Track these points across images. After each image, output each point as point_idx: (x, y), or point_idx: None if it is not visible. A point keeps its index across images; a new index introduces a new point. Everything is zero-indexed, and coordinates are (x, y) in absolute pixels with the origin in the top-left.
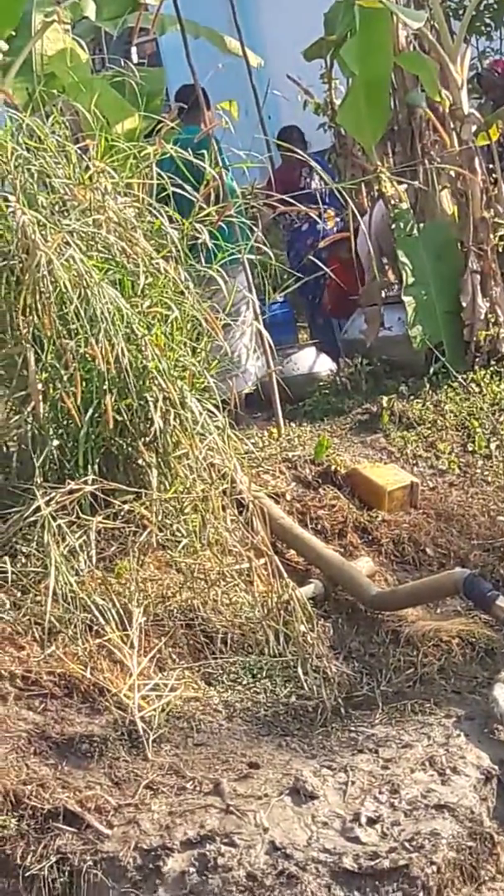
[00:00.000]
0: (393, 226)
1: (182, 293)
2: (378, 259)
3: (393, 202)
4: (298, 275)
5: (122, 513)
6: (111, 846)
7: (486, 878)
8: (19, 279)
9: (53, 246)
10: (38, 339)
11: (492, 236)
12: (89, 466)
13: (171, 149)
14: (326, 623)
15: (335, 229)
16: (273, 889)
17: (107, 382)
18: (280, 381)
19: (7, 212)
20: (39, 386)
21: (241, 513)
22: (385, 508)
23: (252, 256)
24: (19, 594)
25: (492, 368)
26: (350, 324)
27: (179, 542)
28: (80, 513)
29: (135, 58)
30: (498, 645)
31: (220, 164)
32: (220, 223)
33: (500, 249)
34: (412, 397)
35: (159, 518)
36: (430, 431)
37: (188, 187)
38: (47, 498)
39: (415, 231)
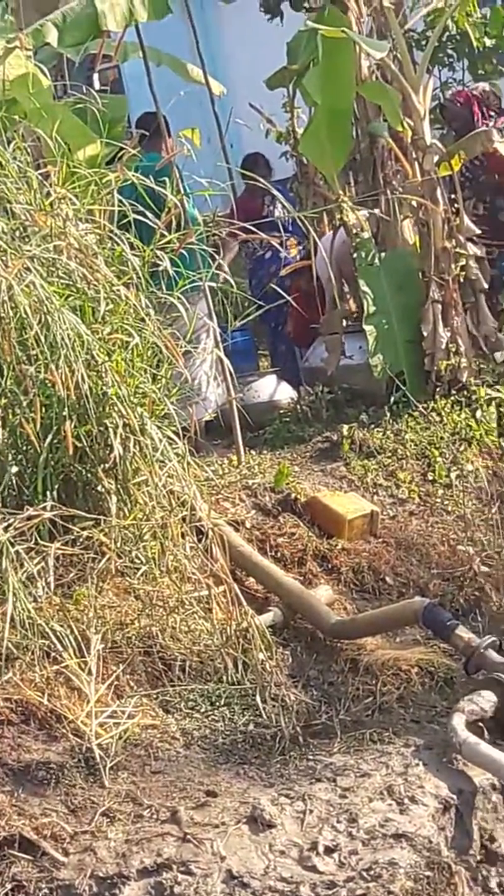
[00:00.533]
0: (354, 255)
1: (143, 320)
2: (339, 287)
3: (355, 231)
4: (260, 303)
5: (81, 539)
6: (67, 874)
7: None
8: None
9: (14, 272)
10: None
11: (453, 266)
12: (48, 492)
13: (133, 176)
14: (285, 651)
15: (297, 257)
16: None
17: (66, 408)
18: (240, 408)
19: None
20: None
21: (200, 540)
22: (345, 537)
23: (213, 284)
24: None
25: (452, 398)
26: (311, 352)
27: (138, 568)
28: (38, 539)
29: (97, 84)
30: (457, 674)
31: (182, 191)
32: (180, 250)
33: (462, 280)
34: (373, 426)
35: (118, 545)
36: (390, 460)
37: (149, 214)
38: (5, 524)
39: (376, 260)
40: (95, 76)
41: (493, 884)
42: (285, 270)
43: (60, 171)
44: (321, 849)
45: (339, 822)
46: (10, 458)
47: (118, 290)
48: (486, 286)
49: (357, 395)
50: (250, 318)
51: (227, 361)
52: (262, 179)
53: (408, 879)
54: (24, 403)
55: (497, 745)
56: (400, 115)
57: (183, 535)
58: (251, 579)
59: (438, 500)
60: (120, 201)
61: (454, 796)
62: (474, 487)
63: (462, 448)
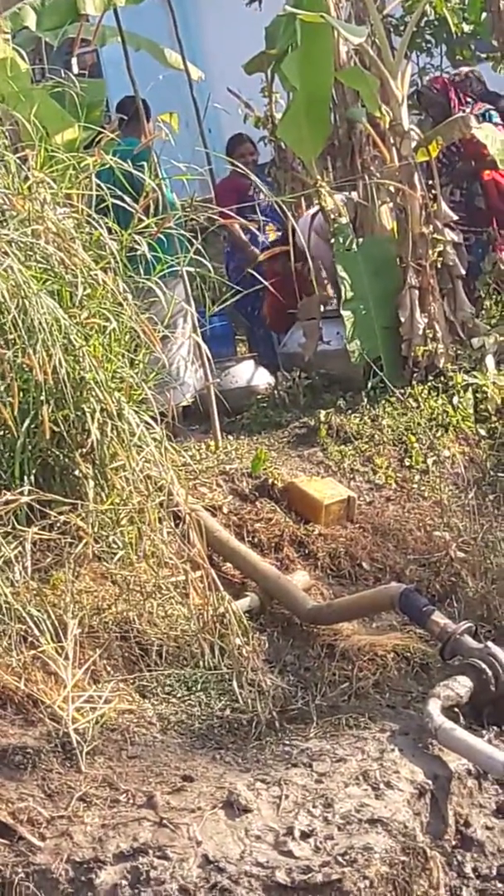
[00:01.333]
0: (332, 240)
1: (120, 304)
2: (317, 273)
3: (332, 216)
4: (237, 287)
5: (58, 524)
6: (43, 858)
7: (419, 893)
8: None
9: None
10: None
11: (430, 252)
12: (25, 477)
13: (111, 160)
14: (262, 636)
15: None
16: None
17: (44, 393)
18: (218, 393)
19: None
20: None
21: (177, 525)
22: (322, 522)
23: (191, 269)
24: None
25: (429, 384)
26: (288, 337)
27: (115, 553)
28: (15, 524)
29: (75, 69)
30: (433, 660)
31: (160, 175)
32: (158, 235)
33: (439, 265)
34: (350, 412)
35: (95, 529)
36: (367, 446)
37: (127, 199)
38: None
39: (354, 246)
40: (74, 60)
41: (468, 869)
42: (262, 256)
43: (38, 155)
44: (297, 834)
45: (314, 807)
46: None
47: (96, 275)
48: (463, 272)
49: (334, 381)
50: (228, 303)
51: (204, 346)
52: (240, 163)
53: (383, 864)
54: (2, 388)
55: (472, 731)
56: (378, 101)
57: (160, 521)
58: (228, 564)
59: (415, 485)
60: (98, 185)
61: (430, 781)
62: (451, 473)
63: (439, 434)
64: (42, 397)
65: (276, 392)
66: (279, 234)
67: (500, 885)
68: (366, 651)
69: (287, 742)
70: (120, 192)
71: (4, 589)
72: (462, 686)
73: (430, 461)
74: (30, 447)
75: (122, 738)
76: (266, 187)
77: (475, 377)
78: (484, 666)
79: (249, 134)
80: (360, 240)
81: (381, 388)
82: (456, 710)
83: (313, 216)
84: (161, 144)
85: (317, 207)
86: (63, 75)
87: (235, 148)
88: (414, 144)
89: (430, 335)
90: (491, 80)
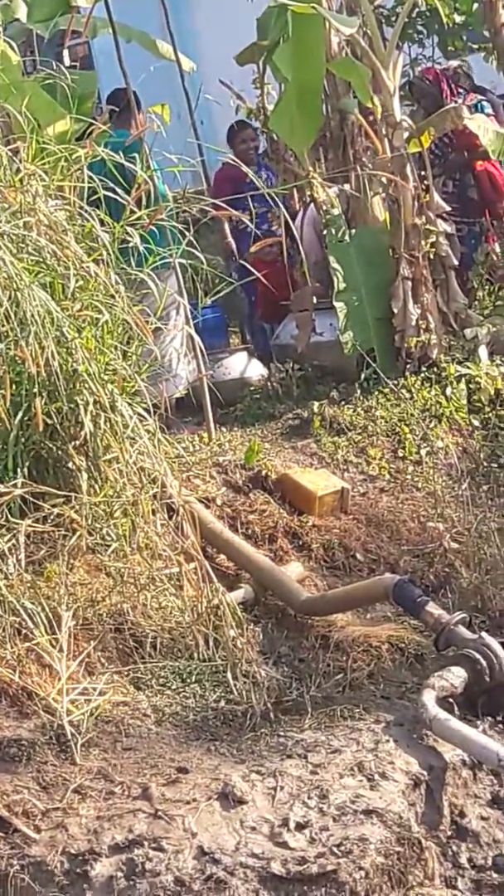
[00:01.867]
0: (325, 231)
1: (113, 296)
2: (310, 265)
3: (325, 208)
4: (230, 279)
5: (52, 516)
6: (38, 850)
7: (415, 884)
8: None
9: None
10: None
11: (423, 243)
12: (19, 469)
13: (103, 152)
14: (256, 628)
15: (280, 232)
16: (201, 894)
17: (37, 385)
18: (211, 385)
19: None
20: None
21: (171, 517)
22: (315, 513)
23: (183, 261)
24: None
25: (422, 375)
26: (281, 329)
27: (109, 545)
28: (9, 516)
29: (66, 60)
30: (427, 651)
31: (151, 167)
32: (151, 227)
33: (432, 256)
34: (343, 403)
35: (89, 522)
36: (360, 437)
37: (119, 190)
38: None
39: (346, 237)
40: (65, 52)
41: (463, 859)
42: (255, 247)
43: (30, 146)
44: (292, 825)
45: (309, 798)
46: None
47: (88, 267)
48: (455, 263)
49: (327, 372)
50: (224, 292)
51: (197, 338)
52: (241, 149)
53: (378, 855)
54: None
55: (467, 721)
56: (370, 92)
57: (154, 513)
58: (222, 556)
59: (409, 476)
60: (90, 177)
61: (424, 772)
62: (444, 464)
63: (432, 425)
64: (35, 389)
65: (269, 383)
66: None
67: (495, 875)
68: (360, 642)
69: (282, 733)
70: (111, 184)
71: None
72: (456, 676)
73: (423, 452)
74: (23, 440)
75: (116, 731)
76: (266, 175)
77: (468, 368)
78: (478, 656)
79: None
80: (353, 231)
81: (374, 379)
82: (450, 700)
83: (306, 206)
84: (153, 136)
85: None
86: (54, 67)
87: (236, 134)
88: (406, 135)
89: (423, 326)
90: (482, 71)
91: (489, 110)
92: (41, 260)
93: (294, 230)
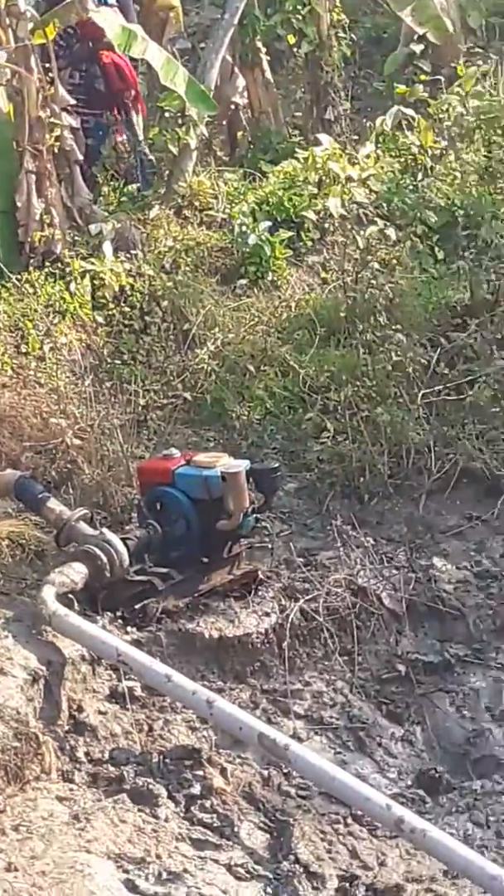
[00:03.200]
0: None
1: None
2: None
3: None
4: None
5: None
6: None
7: (31, 778)
8: None
9: None
10: None
11: (47, 136)
12: None
13: None
14: None
15: None
16: None
17: None
18: None
19: None
20: None
21: None
22: None
23: None
24: None
25: (46, 270)
26: None
27: None
28: None
29: None
30: (48, 547)
31: None
32: None
33: (56, 150)
34: None
35: None
36: None
37: None
38: None
39: None
40: None
41: (80, 753)
42: None
43: None
44: None
45: None
46: None
47: None
48: (80, 157)
49: None
50: None
51: None
52: None
53: None
54: None
55: (87, 617)
56: None
57: None
58: None
59: (31, 372)
60: None
61: (43, 668)
62: (68, 360)
63: (56, 321)
64: None
65: None
66: None
67: (111, 768)
68: None
69: None
70: None
71: None
72: (77, 573)
73: (46, 348)
74: None
75: None
76: None
77: (93, 264)
78: (99, 552)
79: None
80: None
81: None
82: (71, 596)
83: None
84: None
85: None
86: None
87: None
88: (31, 26)
89: (48, 221)
90: None
91: (113, 2)
92: None
93: None
